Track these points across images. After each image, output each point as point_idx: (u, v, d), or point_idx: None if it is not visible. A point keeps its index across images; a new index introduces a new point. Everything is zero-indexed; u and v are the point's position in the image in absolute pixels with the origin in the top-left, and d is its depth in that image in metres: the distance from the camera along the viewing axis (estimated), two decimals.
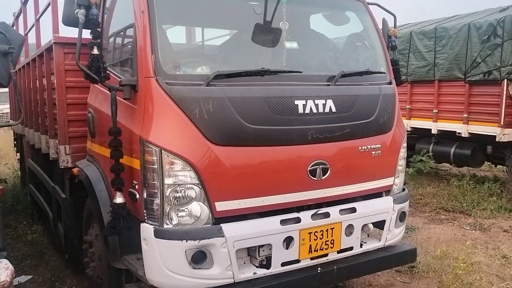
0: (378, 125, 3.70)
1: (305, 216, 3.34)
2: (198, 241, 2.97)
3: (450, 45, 9.12)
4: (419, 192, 8.87)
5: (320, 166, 3.37)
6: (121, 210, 3.11)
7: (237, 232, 3.08)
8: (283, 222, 3.25)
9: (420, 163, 9.38)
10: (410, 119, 10.10)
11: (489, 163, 9.98)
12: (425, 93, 9.78)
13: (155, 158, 2.96)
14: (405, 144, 4.00)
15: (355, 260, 3.67)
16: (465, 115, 8.86)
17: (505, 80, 8.10)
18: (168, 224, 3.00)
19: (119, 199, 3.13)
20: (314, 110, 3.33)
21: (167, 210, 2.99)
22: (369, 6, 4.22)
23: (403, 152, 3.96)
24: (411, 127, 10.07)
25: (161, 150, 2.94)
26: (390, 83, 3.98)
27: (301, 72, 3.45)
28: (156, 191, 2.98)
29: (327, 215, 3.44)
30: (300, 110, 3.27)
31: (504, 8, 8.90)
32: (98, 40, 3.06)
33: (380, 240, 3.80)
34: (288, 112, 3.23)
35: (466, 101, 8.85)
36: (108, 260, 3.54)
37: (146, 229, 3.03)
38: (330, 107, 3.40)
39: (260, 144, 3.16)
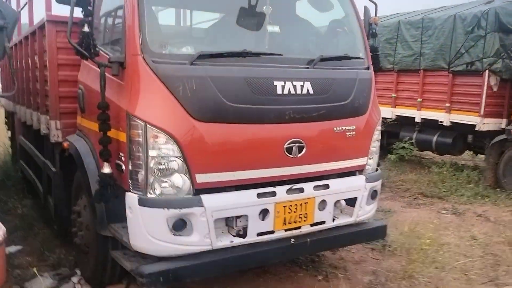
0: (353, 108, 3.92)
1: (281, 190, 3.57)
2: (179, 209, 3.20)
3: (436, 35, 9.35)
4: (401, 178, 9.15)
5: (296, 144, 3.59)
6: (108, 179, 3.31)
7: (215, 203, 3.30)
8: (259, 195, 3.47)
9: (403, 150, 9.66)
10: (395, 107, 10.37)
11: (471, 152, 10.29)
12: (410, 82, 10.03)
13: (140, 131, 3.16)
14: (379, 127, 4.23)
15: (327, 233, 3.93)
16: (447, 104, 9.13)
17: (487, 71, 8.36)
18: (151, 194, 3.21)
19: (106, 169, 3.33)
20: (292, 91, 3.54)
21: (151, 181, 3.20)
22: None
23: (377, 135, 4.19)
24: (396, 115, 10.36)
25: (146, 124, 3.14)
26: (367, 68, 4.19)
27: (282, 55, 3.66)
28: (140, 162, 3.19)
29: (301, 190, 3.67)
30: (279, 91, 3.48)
31: (490, 0, 9.12)
32: (89, 18, 3.23)
33: (351, 215, 4.04)
34: (267, 92, 3.44)
35: (449, 90, 9.13)
36: (95, 228, 3.75)
37: (131, 198, 3.24)
38: (307, 89, 3.62)
39: (239, 121, 3.37)
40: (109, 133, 3.34)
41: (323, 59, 3.79)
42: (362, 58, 4.19)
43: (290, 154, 3.57)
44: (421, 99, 9.71)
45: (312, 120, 3.68)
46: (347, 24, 4.33)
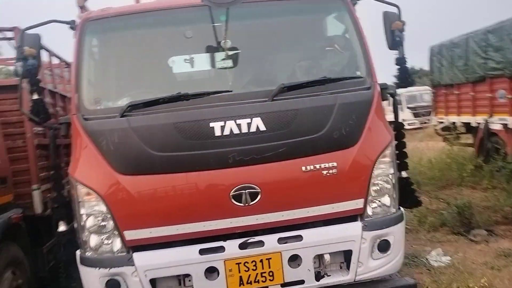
0: (330, 141, 3.20)
1: (231, 245, 3.13)
2: (108, 269, 3.08)
3: None
4: None
5: (246, 190, 3.10)
6: (61, 237, 3.41)
7: (148, 261, 3.08)
8: (203, 251, 3.10)
9: None
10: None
11: None
12: None
13: (74, 190, 3.18)
14: (388, 159, 3.36)
15: None
16: None
17: None
18: (89, 252, 3.18)
19: (61, 227, 3.43)
20: (236, 131, 3.10)
21: (87, 239, 3.17)
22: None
23: (382, 169, 3.33)
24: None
25: (76, 182, 3.15)
26: (369, 88, 3.41)
27: (231, 91, 3.27)
28: (78, 220, 3.20)
29: (261, 244, 3.14)
30: (217, 132, 3.09)
31: None
32: (36, 87, 3.43)
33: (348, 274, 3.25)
34: (202, 136, 3.09)
35: None
36: None
37: (77, 256, 3.26)
38: (257, 125, 3.12)
39: (169, 171, 3.10)
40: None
41: (285, 88, 3.22)
42: (356, 78, 3.43)
43: (240, 203, 3.10)
44: None
45: (267, 161, 3.13)
46: (341, 41, 3.64)
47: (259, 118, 3.13)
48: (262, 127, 3.12)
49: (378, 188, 3.33)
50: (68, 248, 3.40)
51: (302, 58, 3.72)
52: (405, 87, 3.85)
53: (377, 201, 3.34)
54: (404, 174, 3.78)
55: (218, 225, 3.14)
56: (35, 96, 3.44)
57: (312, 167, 3.18)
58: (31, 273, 4.52)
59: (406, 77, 3.75)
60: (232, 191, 3.10)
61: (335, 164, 3.21)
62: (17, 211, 4.26)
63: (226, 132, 3.09)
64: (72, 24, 3.52)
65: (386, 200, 3.38)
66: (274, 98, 3.21)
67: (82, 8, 4.96)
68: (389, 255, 3.35)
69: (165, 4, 3.53)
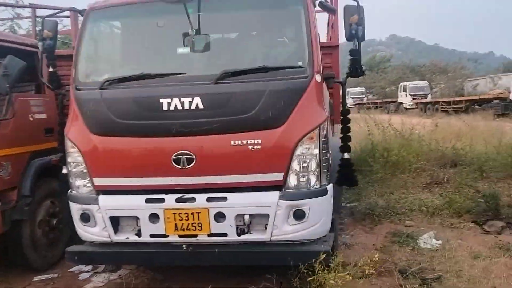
0: (258, 121, 3.75)
1: (170, 198, 3.90)
2: (81, 205, 4.07)
3: None
4: None
5: (184, 156, 3.82)
6: (64, 178, 4.43)
7: (108, 203, 4.00)
8: (148, 200, 3.93)
9: None
10: None
11: None
12: None
13: (66, 143, 4.18)
14: (312, 141, 3.80)
15: (241, 248, 3.91)
16: None
17: None
18: (73, 191, 4.19)
19: (64, 170, 4.46)
20: (179, 107, 3.81)
21: (72, 181, 4.18)
22: None
23: (306, 149, 3.80)
24: None
25: (66, 138, 4.15)
26: (306, 77, 3.86)
27: (185, 73, 3.97)
28: (67, 166, 4.21)
29: (193, 200, 3.87)
30: (165, 107, 3.82)
31: None
32: (52, 61, 4.44)
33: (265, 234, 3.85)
34: (153, 109, 3.85)
35: None
36: None
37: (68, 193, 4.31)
38: (197, 104, 3.79)
39: (127, 135, 3.93)
40: None
41: (227, 74, 3.81)
42: (296, 67, 3.88)
43: (179, 165, 3.84)
44: None
45: (203, 134, 3.81)
46: (291, 33, 4.09)
47: (199, 98, 3.79)
48: (201, 106, 3.79)
49: (300, 164, 3.82)
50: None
51: (254, 47, 4.27)
52: (356, 76, 4.17)
53: (298, 176, 3.83)
54: (346, 155, 4.20)
55: (161, 181, 3.93)
56: (51, 69, 4.47)
57: (239, 142, 3.79)
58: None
59: (357, 68, 4.08)
60: (173, 156, 3.84)
61: (259, 141, 3.77)
62: (57, 156, 5.46)
63: (172, 107, 3.81)
64: (82, 13, 4.45)
65: (307, 176, 3.85)
66: (217, 82, 3.83)
67: None
68: (304, 223, 3.85)
69: None
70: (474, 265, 4.81)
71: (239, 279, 4.64)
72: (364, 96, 50.10)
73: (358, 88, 52.43)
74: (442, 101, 33.97)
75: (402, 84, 41.57)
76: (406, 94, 39.40)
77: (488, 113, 26.71)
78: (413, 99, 38.15)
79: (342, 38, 5.70)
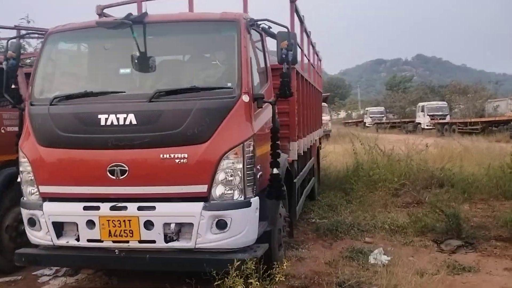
0: (185, 137, 4.07)
1: (105, 206, 4.22)
2: (29, 210, 4.44)
3: None
4: None
5: (118, 167, 4.16)
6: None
7: (51, 209, 4.35)
8: (85, 208, 4.26)
9: None
10: None
11: None
12: None
13: (19, 154, 4.58)
14: (236, 156, 4.08)
15: (169, 254, 4.20)
16: None
17: None
18: (24, 197, 4.57)
19: (18, 179, 4.83)
20: (115, 123, 4.16)
21: (23, 188, 4.56)
22: (260, 21, 4.49)
23: (230, 163, 4.08)
24: None
25: (19, 149, 4.54)
26: (233, 97, 4.17)
27: (124, 92, 4.34)
28: (20, 175, 4.60)
29: (125, 208, 4.19)
30: (102, 122, 4.18)
31: None
32: (13, 80, 4.86)
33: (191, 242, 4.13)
34: (91, 124, 4.21)
35: None
36: None
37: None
38: (130, 120, 4.14)
39: (70, 147, 4.30)
40: None
41: (161, 93, 4.15)
42: (224, 88, 4.21)
43: (113, 176, 4.18)
44: None
45: (136, 148, 4.14)
46: (223, 56, 4.43)
47: (133, 115, 4.14)
48: (134, 122, 4.13)
49: (223, 178, 4.10)
50: None
51: (191, 69, 4.64)
52: (285, 97, 4.45)
53: (221, 188, 4.11)
54: (275, 171, 4.46)
55: (98, 190, 4.26)
56: (13, 86, 4.89)
57: (168, 155, 4.11)
58: None
59: (285, 89, 4.36)
60: (109, 167, 4.17)
61: (186, 155, 4.08)
62: None
63: (108, 122, 4.17)
64: (43, 35, 4.88)
65: (231, 188, 4.13)
66: (152, 100, 4.17)
67: (100, 15, 6.40)
68: (226, 233, 4.10)
69: (92, 23, 4.66)
70: (412, 281, 4.95)
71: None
72: (383, 115, 50.06)
73: (378, 107, 52.38)
74: (459, 122, 33.68)
75: (420, 104, 41.36)
76: (424, 114, 39.16)
77: (504, 134, 26.47)
78: (431, 119, 37.86)
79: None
